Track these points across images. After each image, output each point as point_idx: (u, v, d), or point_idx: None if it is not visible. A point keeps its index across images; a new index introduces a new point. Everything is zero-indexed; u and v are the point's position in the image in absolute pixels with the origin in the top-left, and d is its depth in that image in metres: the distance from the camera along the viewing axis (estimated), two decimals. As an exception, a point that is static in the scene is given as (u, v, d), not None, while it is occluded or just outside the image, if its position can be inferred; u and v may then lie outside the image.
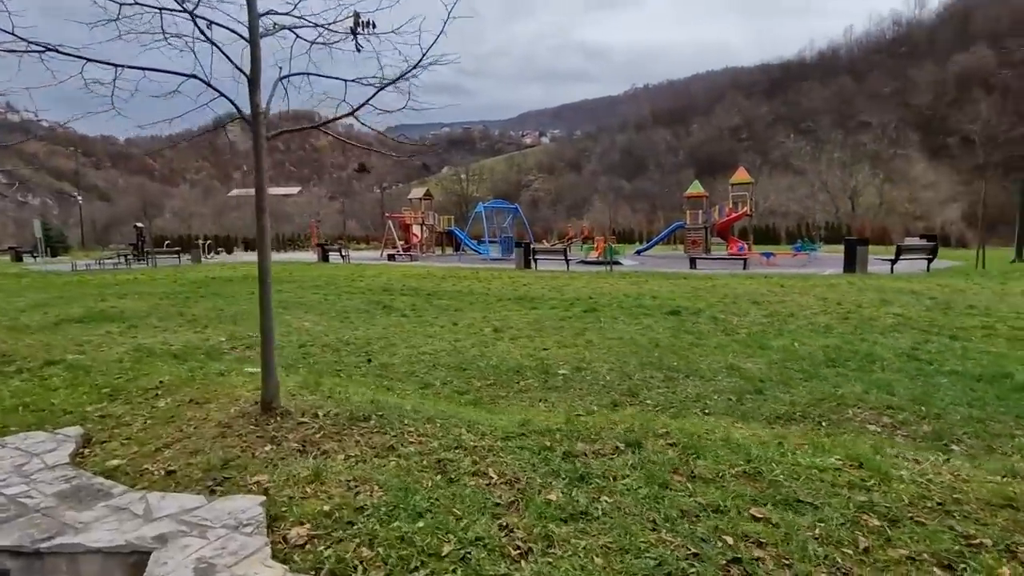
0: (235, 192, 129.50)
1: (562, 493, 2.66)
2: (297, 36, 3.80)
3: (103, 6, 3.36)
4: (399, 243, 29.05)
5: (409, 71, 3.48)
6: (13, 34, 2.85)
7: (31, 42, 2.91)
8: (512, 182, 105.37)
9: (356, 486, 2.72)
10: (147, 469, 2.93)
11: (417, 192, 33.06)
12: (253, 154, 3.45)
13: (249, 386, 4.39)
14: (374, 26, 3.70)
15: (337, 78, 3.79)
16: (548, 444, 3.24)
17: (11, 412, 3.94)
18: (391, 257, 26.22)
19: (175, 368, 5.22)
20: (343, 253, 25.19)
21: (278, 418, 3.50)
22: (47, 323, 9.13)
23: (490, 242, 25.61)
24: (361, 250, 41.11)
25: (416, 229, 32.31)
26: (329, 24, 3.73)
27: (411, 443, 3.25)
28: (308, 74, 3.78)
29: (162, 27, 3.32)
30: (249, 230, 63.62)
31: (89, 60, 3.11)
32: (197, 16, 3.38)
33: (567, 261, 17.79)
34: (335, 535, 2.30)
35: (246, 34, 3.45)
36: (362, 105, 3.56)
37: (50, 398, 4.22)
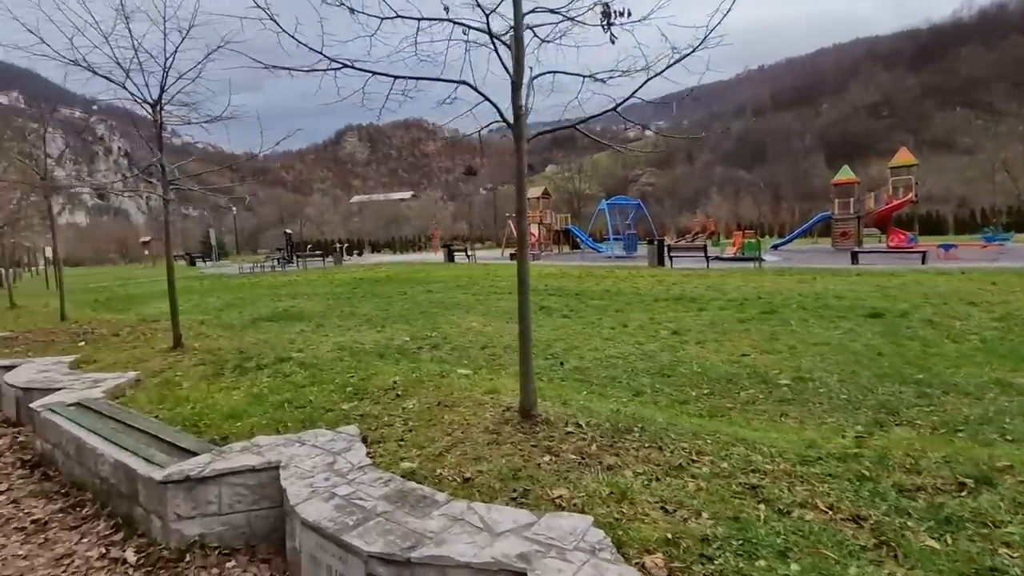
0: (356, 199, 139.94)
1: (936, 539, 2.22)
2: (536, 36, 3.70)
3: (362, 23, 3.50)
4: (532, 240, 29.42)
5: (687, 54, 3.20)
6: (321, 53, 3.00)
7: (335, 60, 3.04)
8: (619, 177, 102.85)
9: (673, 510, 2.50)
10: (442, 475, 2.94)
11: (535, 191, 33.25)
12: (516, 157, 3.39)
13: (479, 389, 4.41)
14: (629, 14, 3.48)
15: (586, 75, 3.63)
16: (864, 473, 2.80)
17: (279, 408, 4.27)
18: (513, 256, 26.58)
19: (389, 367, 5.45)
20: (469, 253, 25.95)
21: (543, 426, 3.40)
22: (245, 321, 10.24)
23: (613, 239, 24.99)
24: (477, 250, 42.39)
25: (534, 228, 32.50)
26: (578, 15, 3.57)
27: (697, 462, 2.98)
28: (555, 72, 3.66)
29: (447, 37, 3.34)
30: (372, 233, 68.55)
31: (375, 73, 3.20)
32: (458, 22, 3.39)
33: (707, 258, 16.73)
34: (697, 570, 2.07)
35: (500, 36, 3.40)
36: (627, 99, 3.35)
37: (304, 395, 4.54)
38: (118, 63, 5.96)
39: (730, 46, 3.39)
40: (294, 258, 30.05)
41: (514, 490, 2.74)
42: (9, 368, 5.74)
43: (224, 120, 6.26)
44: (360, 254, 42.33)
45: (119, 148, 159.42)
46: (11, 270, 21.68)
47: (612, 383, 5.35)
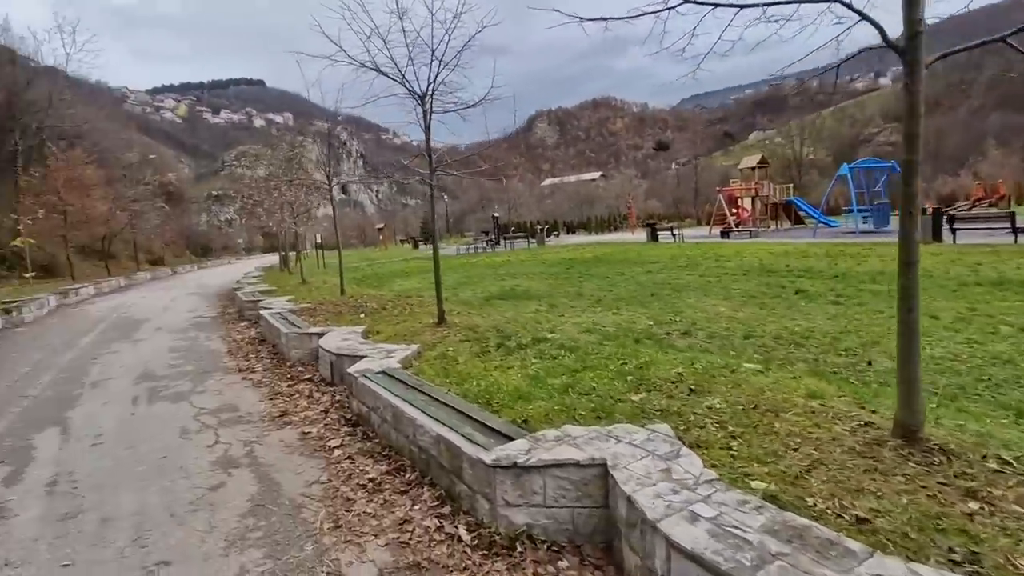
0: (548, 182, 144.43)
1: None
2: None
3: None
4: (730, 218, 26.64)
5: None
6: None
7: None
8: (845, 138, 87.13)
9: None
10: (818, 507, 2.32)
11: (749, 160, 29.73)
12: (905, 93, 2.50)
13: (794, 391, 3.66)
14: None
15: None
16: None
17: (563, 393, 4.09)
18: (724, 234, 24.15)
19: (658, 355, 4.97)
20: (675, 232, 24.35)
21: (941, 455, 2.54)
22: (479, 299, 10.84)
23: (858, 211, 20.88)
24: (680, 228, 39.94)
25: (746, 202, 29.17)
26: None
27: None
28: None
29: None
30: (565, 215, 69.87)
31: (716, 6, 2.63)
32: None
33: (1015, 230, 12.73)
34: None
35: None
36: None
37: (583, 381, 4.30)
38: (393, 62, 6.50)
39: None
40: (500, 239, 31.91)
41: (949, 549, 1.99)
42: (321, 335, 6.79)
43: (484, 102, 6.42)
44: (558, 235, 43.23)
45: (356, 150, 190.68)
46: (291, 253, 27.13)
47: (967, 395, 4.06)
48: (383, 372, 4.85)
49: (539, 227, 34.29)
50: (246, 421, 4.98)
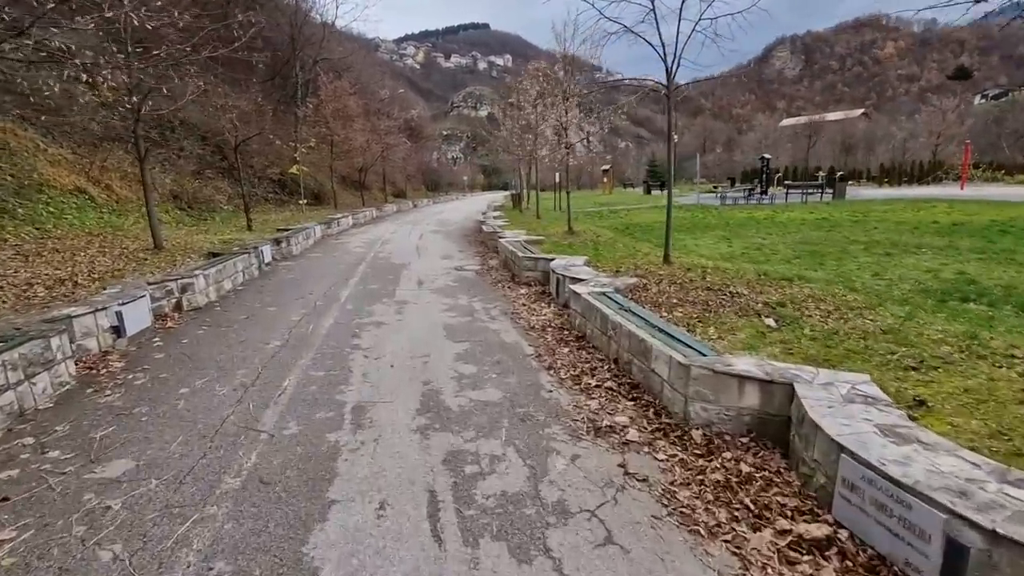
0: (787, 122, 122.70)
1: None
2: None
3: None
4: None
5: None
6: None
7: None
8: None
9: None
10: None
11: None
12: None
13: None
14: None
15: None
16: None
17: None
18: None
19: None
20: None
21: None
22: (928, 303, 6.22)
23: None
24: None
25: None
26: None
27: None
28: None
29: None
30: (823, 163, 56.72)
31: None
32: None
33: None
34: None
35: None
36: None
37: None
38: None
39: None
40: (767, 190, 25.27)
41: None
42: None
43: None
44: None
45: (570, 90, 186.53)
46: (529, 191, 24.94)
47: None
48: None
49: (836, 175, 26.23)
50: None
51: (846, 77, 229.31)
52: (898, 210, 16.08)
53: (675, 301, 5.19)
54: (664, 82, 6.40)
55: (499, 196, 47.69)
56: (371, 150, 26.79)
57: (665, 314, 4.80)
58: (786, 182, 26.07)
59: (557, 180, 23.91)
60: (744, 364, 3.11)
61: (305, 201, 21.06)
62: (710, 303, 5.07)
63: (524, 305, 6.61)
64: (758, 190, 24.99)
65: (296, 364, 4.58)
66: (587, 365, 4.38)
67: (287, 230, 13.07)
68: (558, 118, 14.78)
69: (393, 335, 5.44)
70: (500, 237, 10.58)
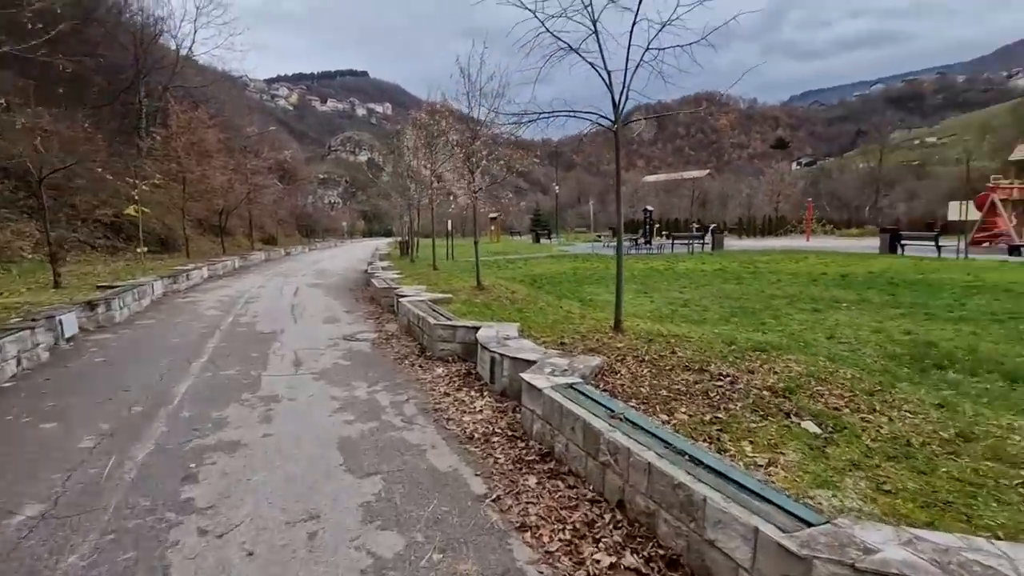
0: (648, 179, 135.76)
1: None
2: None
3: None
4: (1009, 228, 19.32)
5: None
6: None
7: None
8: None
9: None
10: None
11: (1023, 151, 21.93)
12: None
13: None
14: None
15: None
16: None
17: None
18: (1015, 250, 17.07)
19: None
20: (939, 242, 17.53)
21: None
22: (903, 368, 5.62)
23: None
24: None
25: (1001, 207, 21.48)
26: None
27: None
28: None
29: None
30: (688, 213, 62.61)
31: None
32: None
33: None
34: None
35: None
36: None
37: None
38: None
39: None
40: (650, 240, 26.29)
41: None
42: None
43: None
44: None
45: (453, 140, 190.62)
46: (415, 238, 23.29)
47: None
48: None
49: (710, 226, 28.07)
50: None
51: (691, 142, 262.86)
52: (779, 261, 17.06)
53: (664, 393, 3.89)
54: (611, 116, 5.35)
55: (382, 243, 45.17)
56: (235, 191, 23.44)
57: (665, 417, 3.47)
58: (673, 233, 27.45)
59: (450, 228, 22.60)
60: (894, 550, 1.81)
61: (145, 249, 17.27)
62: (710, 394, 3.85)
63: (447, 395, 4.92)
64: (642, 240, 25.89)
65: (56, 570, 2.44)
66: (577, 516, 2.84)
67: (111, 287, 10.01)
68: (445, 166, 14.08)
69: (255, 473, 3.42)
70: (400, 295, 8.77)
